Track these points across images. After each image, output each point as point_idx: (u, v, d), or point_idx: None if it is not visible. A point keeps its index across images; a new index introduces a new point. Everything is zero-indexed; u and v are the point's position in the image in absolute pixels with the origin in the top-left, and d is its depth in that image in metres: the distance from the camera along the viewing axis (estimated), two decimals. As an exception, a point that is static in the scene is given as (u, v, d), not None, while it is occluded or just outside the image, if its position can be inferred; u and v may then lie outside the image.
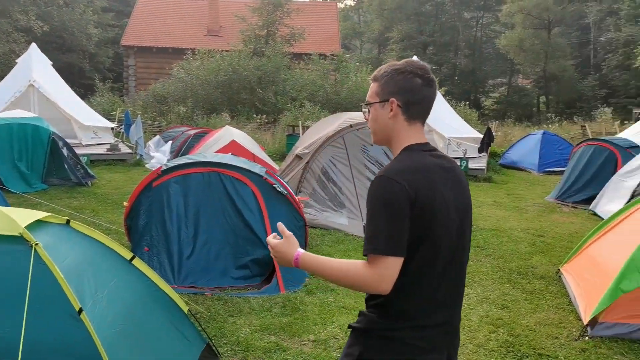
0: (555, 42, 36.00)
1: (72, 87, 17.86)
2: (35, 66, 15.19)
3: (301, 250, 1.83)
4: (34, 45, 16.19)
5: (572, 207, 9.89)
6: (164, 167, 5.75)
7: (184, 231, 5.49)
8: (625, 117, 25.77)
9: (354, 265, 1.72)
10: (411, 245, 1.70)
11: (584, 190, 10.17)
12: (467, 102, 27.09)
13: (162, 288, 3.56)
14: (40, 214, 3.07)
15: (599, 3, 37.79)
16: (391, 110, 1.82)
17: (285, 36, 25.82)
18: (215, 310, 4.71)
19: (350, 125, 7.91)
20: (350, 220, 7.55)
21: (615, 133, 17.60)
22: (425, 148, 1.84)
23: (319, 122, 10.30)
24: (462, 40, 41.60)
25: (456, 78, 40.26)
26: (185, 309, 3.67)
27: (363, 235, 2.13)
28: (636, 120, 20.05)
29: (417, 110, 1.83)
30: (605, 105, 28.79)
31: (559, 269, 5.83)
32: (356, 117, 8.29)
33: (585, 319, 4.40)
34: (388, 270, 1.66)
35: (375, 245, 1.67)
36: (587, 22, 38.17)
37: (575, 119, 25.83)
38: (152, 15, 29.82)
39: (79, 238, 3.20)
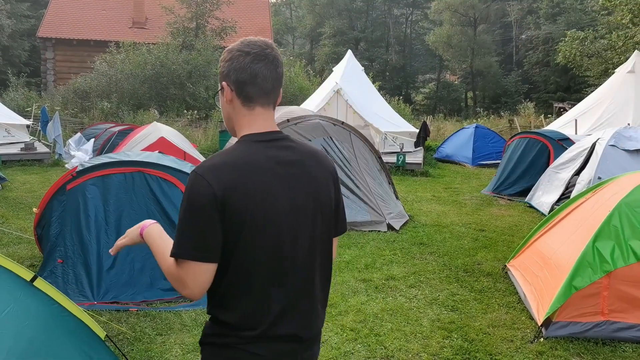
0: (480, 39, 37.17)
1: (-20, 81, 16.37)
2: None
3: (151, 222, 1.71)
4: None
5: (508, 199, 9.95)
6: (80, 168, 5.10)
7: (104, 240, 4.87)
8: (547, 111, 26.93)
9: (167, 261, 1.56)
10: (226, 251, 1.52)
11: (518, 182, 10.26)
12: (400, 97, 27.35)
13: (72, 311, 3.00)
14: None
15: (520, 2, 39.38)
16: (227, 95, 1.64)
17: (216, 29, 24.93)
18: (141, 329, 4.17)
19: (288, 120, 7.51)
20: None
21: (542, 126, 18.19)
22: (264, 138, 1.61)
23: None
24: (392, 37, 42.14)
25: (387, 74, 40.72)
26: (102, 334, 3.13)
27: None
28: (558, 114, 20.88)
29: (252, 90, 1.61)
30: (527, 100, 29.99)
31: (505, 265, 5.68)
32: (293, 111, 7.91)
33: (539, 319, 4.21)
34: (190, 276, 1.50)
35: (177, 248, 1.51)
36: (509, 20, 39.72)
37: (502, 113, 26.66)
38: (71, 5, 27.95)
39: (-39, 259, 2.60)
